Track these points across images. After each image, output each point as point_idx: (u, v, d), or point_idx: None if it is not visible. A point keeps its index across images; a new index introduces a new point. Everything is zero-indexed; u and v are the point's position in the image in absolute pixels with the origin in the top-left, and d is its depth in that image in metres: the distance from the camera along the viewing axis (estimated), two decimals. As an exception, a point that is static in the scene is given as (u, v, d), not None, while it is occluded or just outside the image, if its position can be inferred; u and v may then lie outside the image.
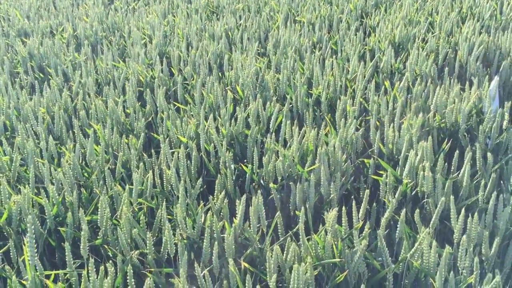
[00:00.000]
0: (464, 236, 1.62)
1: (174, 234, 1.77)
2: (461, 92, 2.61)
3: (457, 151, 2.13)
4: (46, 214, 1.82)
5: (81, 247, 1.60)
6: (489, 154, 2.13)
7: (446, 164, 2.09)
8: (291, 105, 2.68)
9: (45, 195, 1.89)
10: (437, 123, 2.41)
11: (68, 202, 1.88)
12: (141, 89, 2.99)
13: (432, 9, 3.83)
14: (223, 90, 2.81)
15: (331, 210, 1.75)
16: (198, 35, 3.73)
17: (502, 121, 2.37)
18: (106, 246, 1.79)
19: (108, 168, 2.09)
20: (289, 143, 2.32)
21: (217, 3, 4.51)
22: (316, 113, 2.66)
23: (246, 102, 2.75)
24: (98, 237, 1.84)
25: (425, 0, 4.06)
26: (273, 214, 1.85)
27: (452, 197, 1.78)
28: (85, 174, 2.15)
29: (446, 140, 2.31)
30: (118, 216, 1.87)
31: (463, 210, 1.72)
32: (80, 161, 2.22)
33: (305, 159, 2.21)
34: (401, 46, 3.32)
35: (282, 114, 2.50)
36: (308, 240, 1.71)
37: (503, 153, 2.31)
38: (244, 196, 1.76)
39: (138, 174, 1.96)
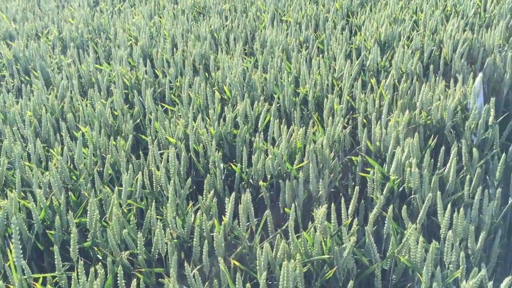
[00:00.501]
0: (450, 231, 1.65)
1: (164, 234, 1.77)
2: (446, 89, 2.65)
3: (443, 147, 2.16)
4: (33, 218, 1.81)
5: (70, 249, 1.60)
6: (474, 150, 2.16)
7: (432, 160, 2.12)
8: (278, 104, 2.70)
9: (33, 199, 1.88)
10: (423, 120, 2.44)
11: (56, 206, 1.87)
12: (127, 91, 2.98)
13: (416, 7, 3.87)
14: (210, 91, 2.81)
15: (320, 207, 1.76)
16: (184, 36, 3.73)
17: (487, 117, 2.40)
18: (95, 248, 1.79)
19: (97, 171, 2.09)
20: (277, 142, 2.33)
21: (204, 4, 4.52)
22: (303, 112, 2.67)
23: (233, 102, 2.76)
24: (87, 240, 1.83)
25: (409, -2, 4.10)
26: (264, 212, 1.86)
27: (438, 192, 1.81)
28: (73, 177, 2.14)
29: (432, 136, 2.34)
30: (108, 218, 1.87)
31: (449, 205, 1.74)
32: (68, 164, 2.21)
33: (293, 157, 2.23)
34: (386, 44, 3.35)
35: (270, 114, 2.52)
36: (298, 237, 1.73)
37: (489, 149, 2.34)
38: (233, 194, 1.77)
39: (127, 176, 1.95)
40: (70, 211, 1.80)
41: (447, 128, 2.38)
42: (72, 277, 1.48)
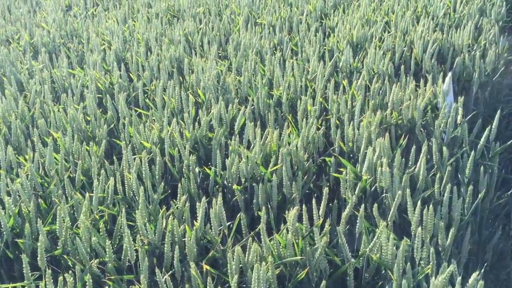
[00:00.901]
0: (420, 228, 1.67)
1: (135, 241, 1.75)
2: (417, 89, 2.69)
3: (414, 146, 2.19)
4: (2, 226, 1.78)
5: (38, 258, 1.57)
6: (444, 148, 2.20)
7: (403, 159, 2.15)
8: (253, 107, 2.70)
9: (1, 207, 1.85)
10: (395, 120, 2.47)
11: (25, 213, 1.84)
12: (100, 95, 2.95)
13: (388, 8, 3.92)
14: (184, 94, 2.80)
15: (292, 209, 1.77)
16: (158, 39, 3.71)
17: (456, 116, 2.45)
18: (65, 256, 1.76)
19: (69, 177, 2.06)
20: (252, 145, 2.33)
21: (178, 7, 4.50)
22: (277, 114, 2.68)
23: (208, 105, 2.76)
24: (58, 247, 1.81)
25: (381, 0, 4.15)
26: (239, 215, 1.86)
27: (408, 190, 1.83)
28: (45, 184, 2.11)
29: (403, 136, 2.37)
30: (79, 225, 1.84)
31: (419, 202, 1.77)
32: (40, 171, 2.17)
33: (268, 160, 2.23)
34: (359, 46, 3.38)
35: (245, 116, 2.52)
36: (271, 240, 1.73)
37: (459, 147, 2.38)
38: (204, 199, 1.76)
39: (99, 182, 1.93)
40: (39, 219, 1.77)
41: (417, 127, 2.41)
42: (40, 286, 1.46)
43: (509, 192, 2.53)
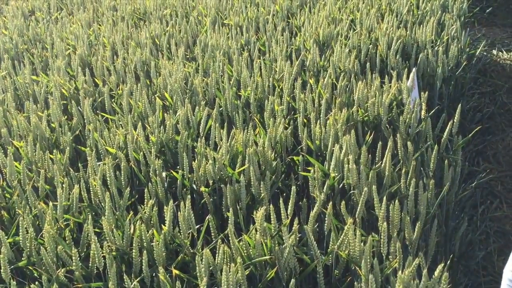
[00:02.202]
0: (385, 223, 1.69)
1: (103, 247, 1.73)
2: (382, 86, 2.73)
3: (380, 143, 2.22)
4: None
5: (1, 270, 1.53)
6: (409, 143, 2.24)
7: (370, 155, 2.17)
8: (221, 108, 2.69)
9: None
10: (361, 117, 2.50)
11: (-13, 225, 1.79)
12: (65, 102, 2.89)
13: (353, 7, 3.97)
14: (151, 98, 2.77)
15: (260, 209, 1.77)
16: (124, 43, 3.66)
17: (420, 111, 2.49)
18: (30, 268, 1.73)
19: (33, 187, 2.01)
20: (219, 146, 2.32)
21: (144, 10, 4.45)
22: (246, 115, 2.68)
23: (175, 108, 2.73)
24: (23, 259, 1.76)
25: (347, -2, 4.20)
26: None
27: (374, 186, 1.86)
28: (7, 195, 2.06)
29: (369, 132, 2.40)
30: (44, 235, 1.80)
31: (385, 198, 1.79)
32: (1, 182, 2.12)
33: (235, 161, 2.23)
34: (325, 44, 3.41)
35: (212, 118, 2.51)
36: (240, 241, 1.73)
37: (423, 141, 2.43)
38: (171, 203, 1.75)
39: (63, 190, 1.90)
40: (1, 231, 1.72)
41: (383, 124, 2.45)
42: (3, 299, 1.42)
43: (473, 184, 2.59)
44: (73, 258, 1.61)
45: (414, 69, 2.82)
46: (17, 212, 1.94)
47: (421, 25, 3.47)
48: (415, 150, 2.28)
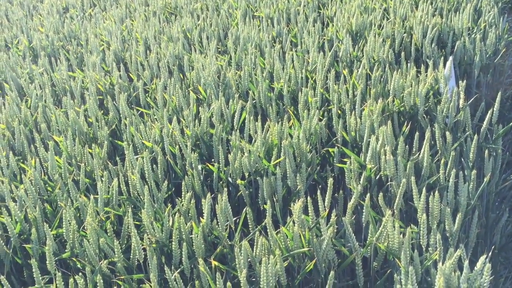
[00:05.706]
0: (425, 215, 1.66)
1: (143, 240, 1.76)
2: (418, 75, 2.67)
3: (417, 133, 2.18)
4: (9, 232, 1.79)
5: (47, 261, 1.58)
6: (447, 133, 2.19)
7: (407, 146, 2.14)
8: (254, 101, 2.69)
9: (8, 213, 1.86)
10: (397, 107, 2.46)
11: (32, 218, 1.85)
12: (101, 97, 2.95)
13: (386, -5, 3.89)
14: (185, 92, 2.80)
15: (297, 201, 1.77)
16: (156, 38, 3.70)
17: (458, 100, 2.43)
18: (74, 259, 1.77)
19: (73, 180, 2.06)
20: (254, 139, 2.33)
21: (175, 4, 4.48)
22: (279, 107, 2.68)
23: (209, 102, 2.75)
24: (66, 250, 1.82)
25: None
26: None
27: (413, 177, 1.83)
28: (49, 188, 2.12)
29: (406, 123, 2.36)
30: (86, 227, 1.85)
31: (424, 189, 1.76)
32: (43, 175, 2.18)
33: (270, 153, 2.23)
34: (358, 34, 3.36)
35: (246, 111, 2.51)
36: (277, 233, 1.73)
37: (462, 131, 2.37)
38: (209, 195, 1.76)
39: (103, 183, 1.94)
40: (45, 223, 1.78)
41: (420, 114, 2.40)
42: (51, 289, 1.47)
43: (514, 174, 2.52)
44: (115, 250, 1.64)
45: (450, 58, 2.75)
46: (59, 205, 1.99)
47: (457, 12, 3.37)
48: (454, 140, 2.23)
